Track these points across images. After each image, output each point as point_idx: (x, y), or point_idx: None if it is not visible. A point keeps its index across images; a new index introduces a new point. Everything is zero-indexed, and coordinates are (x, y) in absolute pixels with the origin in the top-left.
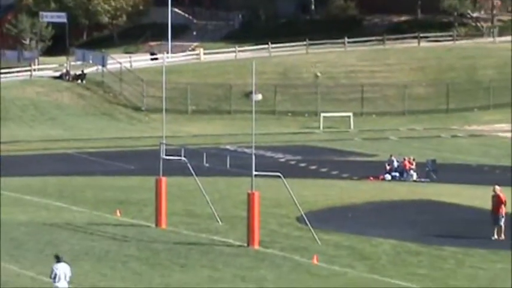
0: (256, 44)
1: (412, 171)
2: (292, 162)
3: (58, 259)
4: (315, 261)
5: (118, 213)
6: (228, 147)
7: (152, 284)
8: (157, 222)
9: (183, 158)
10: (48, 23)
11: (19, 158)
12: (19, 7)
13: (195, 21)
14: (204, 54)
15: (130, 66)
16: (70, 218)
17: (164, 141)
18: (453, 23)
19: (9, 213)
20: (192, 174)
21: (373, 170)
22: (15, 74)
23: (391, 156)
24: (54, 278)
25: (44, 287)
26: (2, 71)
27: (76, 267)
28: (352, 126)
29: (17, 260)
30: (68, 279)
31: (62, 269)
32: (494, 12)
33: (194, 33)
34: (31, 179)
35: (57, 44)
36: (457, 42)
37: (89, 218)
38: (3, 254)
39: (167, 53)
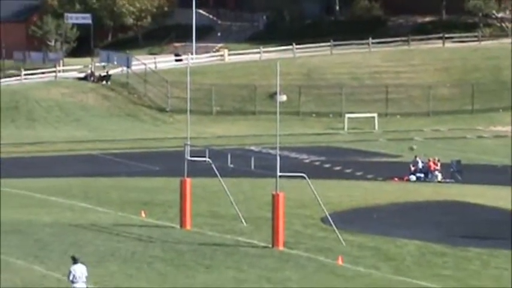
0: (281, 45)
1: (436, 172)
2: (317, 163)
3: (75, 260)
4: (339, 262)
5: (143, 214)
6: (252, 148)
7: (177, 285)
8: (182, 223)
9: (207, 159)
10: (73, 25)
11: (44, 159)
12: (44, 8)
13: (219, 22)
14: (229, 55)
15: (155, 67)
16: (95, 219)
17: (189, 142)
18: (478, 23)
19: (35, 214)
20: (217, 175)
21: (397, 170)
22: (40, 75)
23: (415, 157)
24: (73, 279)
25: None
26: (28, 72)
27: (101, 268)
28: (376, 127)
29: (42, 261)
30: (84, 279)
31: (79, 270)
32: None
33: (218, 34)
34: (56, 180)
35: (82, 45)
36: (482, 42)
37: (114, 219)
38: (28, 255)
39: (192, 54)
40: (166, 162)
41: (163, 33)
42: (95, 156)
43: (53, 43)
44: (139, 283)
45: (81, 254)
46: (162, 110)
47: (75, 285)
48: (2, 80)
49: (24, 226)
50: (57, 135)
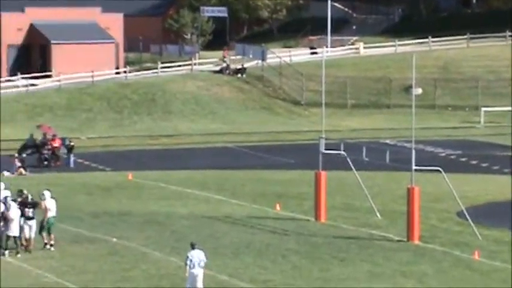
0: (416, 38)
1: None
2: (453, 157)
3: (193, 246)
4: (475, 256)
5: (277, 207)
6: (387, 141)
7: (311, 277)
8: (317, 216)
9: (342, 152)
10: (209, 18)
11: (180, 151)
12: (180, 2)
13: (354, 15)
14: (364, 48)
15: (290, 60)
16: (230, 211)
17: (323, 135)
18: None
19: (171, 206)
20: (352, 168)
21: None
22: (177, 68)
23: None
24: (190, 264)
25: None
26: (164, 65)
27: (237, 260)
28: None
29: (178, 253)
30: (202, 264)
31: (196, 256)
32: None
33: (354, 27)
34: (192, 172)
35: (218, 38)
36: None
37: (249, 212)
38: (165, 246)
39: (327, 47)
40: (301, 155)
41: (298, 26)
42: (230, 148)
43: (189, 36)
44: (273, 275)
45: (217, 246)
46: (297, 103)
47: (192, 270)
48: (140, 72)
49: (161, 218)
50: (192, 128)
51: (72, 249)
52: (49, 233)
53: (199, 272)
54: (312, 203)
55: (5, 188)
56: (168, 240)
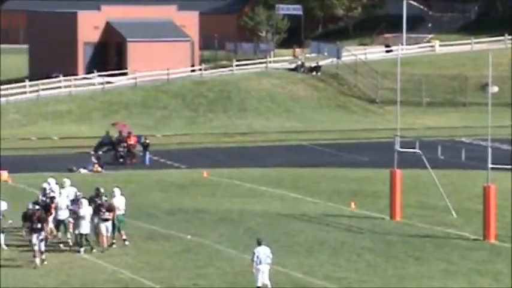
0: (493, 36)
1: None
2: None
3: (259, 243)
4: None
5: (352, 205)
6: (463, 139)
7: (386, 276)
8: (392, 215)
9: (417, 151)
10: (284, 15)
11: (255, 149)
12: (256, 0)
13: (430, 13)
14: (439, 46)
15: (365, 58)
16: (305, 209)
17: (398, 134)
18: None
19: (246, 203)
20: (427, 167)
21: None
22: (252, 66)
23: None
24: (256, 260)
25: (279, 278)
26: (239, 63)
27: (311, 257)
28: None
29: (252, 250)
30: (269, 261)
31: (263, 252)
32: None
33: (429, 25)
34: (267, 170)
35: (293, 36)
36: None
37: (324, 210)
38: (239, 244)
39: (402, 44)
40: (376, 153)
41: (373, 24)
42: (305, 146)
43: (264, 34)
44: (348, 273)
45: (291, 244)
46: (372, 101)
47: (258, 266)
48: (215, 70)
49: (235, 215)
50: (267, 126)
51: (147, 246)
52: (119, 231)
53: (265, 269)
54: (387, 201)
55: (71, 185)
56: (242, 238)
